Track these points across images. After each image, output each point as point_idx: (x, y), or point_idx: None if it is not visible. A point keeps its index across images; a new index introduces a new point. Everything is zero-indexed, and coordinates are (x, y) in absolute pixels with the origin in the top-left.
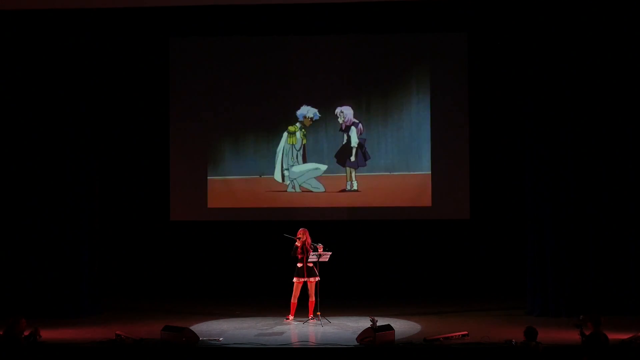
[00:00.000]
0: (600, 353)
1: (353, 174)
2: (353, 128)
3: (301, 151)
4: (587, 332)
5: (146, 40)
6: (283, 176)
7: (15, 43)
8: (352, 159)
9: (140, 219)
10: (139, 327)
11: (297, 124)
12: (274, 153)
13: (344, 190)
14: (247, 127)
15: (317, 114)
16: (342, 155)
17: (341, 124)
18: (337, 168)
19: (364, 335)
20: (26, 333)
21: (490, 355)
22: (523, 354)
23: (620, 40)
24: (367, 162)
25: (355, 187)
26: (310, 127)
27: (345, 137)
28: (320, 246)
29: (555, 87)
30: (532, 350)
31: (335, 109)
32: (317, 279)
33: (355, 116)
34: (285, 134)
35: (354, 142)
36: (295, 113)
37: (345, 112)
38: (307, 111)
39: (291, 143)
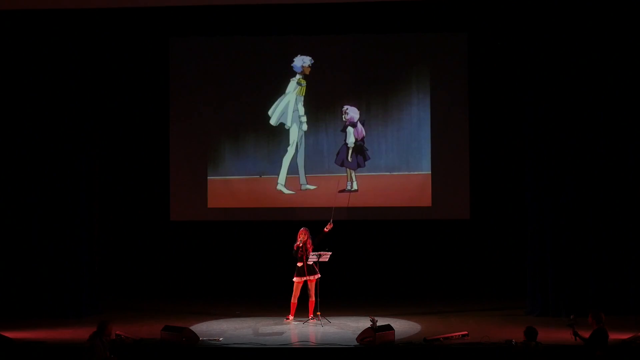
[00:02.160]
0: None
1: (353, 174)
2: (350, 128)
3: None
4: (590, 331)
5: (146, 40)
6: (298, 123)
7: (15, 43)
8: (349, 159)
9: (140, 219)
10: (139, 327)
11: (298, 75)
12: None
13: (343, 191)
14: (247, 127)
15: (311, 59)
16: (340, 156)
17: (344, 121)
18: (338, 168)
19: (364, 335)
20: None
21: (490, 355)
22: (523, 354)
23: (621, 40)
24: (366, 162)
25: (355, 187)
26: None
27: (344, 136)
28: (322, 253)
29: (555, 87)
30: (532, 350)
31: (335, 109)
32: (318, 276)
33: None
34: (294, 85)
35: (350, 142)
36: (291, 68)
37: (349, 111)
38: (303, 61)
39: (302, 94)
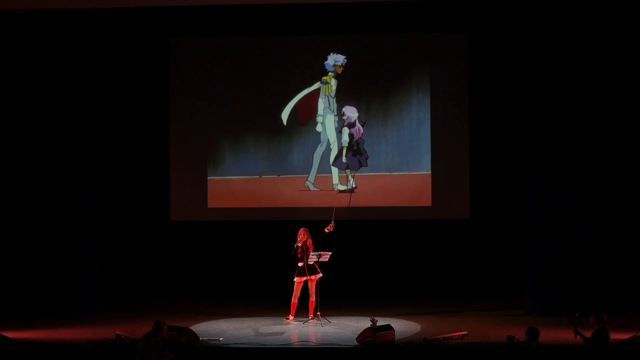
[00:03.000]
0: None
1: (349, 175)
2: (345, 129)
3: (335, 98)
4: (591, 331)
5: (146, 40)
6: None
7: (15, 43)
8: (344, 159)
9: (140, 219)
10: (139, 327)
11: (330, 74)
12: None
13: (343, 191)
14: (247, 127)
15: (345, 58)
16: (335, 156)
17: (343, 121)
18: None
19: (364, 335)
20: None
21: (490, 355)
22: (525, 353)
23: (621, 40)
24: (366, 162)
25: (352, 187)
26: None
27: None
28: (322, 253)
29: (555, 86)
30: (533, 351)
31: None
32: (320, 275)
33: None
34: (320, 85)
35: (343, 142)
36: (323, 65)
37: (346, 112)
38: (336, 60)
39: (327, 94)
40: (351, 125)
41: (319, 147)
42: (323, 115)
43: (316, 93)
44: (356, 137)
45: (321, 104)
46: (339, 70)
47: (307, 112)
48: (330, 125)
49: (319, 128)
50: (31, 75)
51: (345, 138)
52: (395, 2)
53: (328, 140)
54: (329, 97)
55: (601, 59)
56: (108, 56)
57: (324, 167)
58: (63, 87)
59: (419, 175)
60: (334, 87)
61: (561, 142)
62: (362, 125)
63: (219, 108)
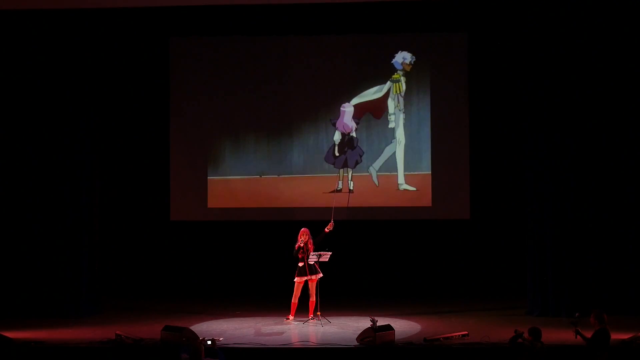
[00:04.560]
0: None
1: (341, 173)
2: (338, 123)
3: (404, 97)
4: (592, 331)
5: (146, 40)
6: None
7: (15, 43)
8: (335, 155)
9: (140, 219)
10: (139, 327)
11: (399, 72)
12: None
13: (334, 191)
14: (247, 127)
15: (412, 56)
16: (328, 154)
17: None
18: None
19: (364, 335)
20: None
21: (490, 355)
22: (530, 354)
23: (621, 40)
24: (361, 158)
25: (341, 187)
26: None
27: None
28: (322, 253)
29: (555, 87)
30: (538, 351)
31: (335, 109)
32: (320, 275)
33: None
34: (389, 84)
35: (335, 138)
36: (391, 64)
37: (343, 107)
38: (404, 58)
39: (397, 92)
40: (342, 121)
41: (391, 146)
42: (395, 114)
43: (386, 94)
44: (346, 131)
45: (391, 103)
46: (407, 69)
47: (375, 112)
48: (401, 124)
49: (391, 125)
50: (31, 75)
51: (337, 134)
52: (395, 2)
53: (397, 139)
54: (399, 95)
55: (601, 59)
56: (108, 56)
57: (389, 165)
58: (63, 87)
59: (419, 175)
60: (404, 86)
61: (561, 142)
62: (357, 123)
63: (219, 108)
